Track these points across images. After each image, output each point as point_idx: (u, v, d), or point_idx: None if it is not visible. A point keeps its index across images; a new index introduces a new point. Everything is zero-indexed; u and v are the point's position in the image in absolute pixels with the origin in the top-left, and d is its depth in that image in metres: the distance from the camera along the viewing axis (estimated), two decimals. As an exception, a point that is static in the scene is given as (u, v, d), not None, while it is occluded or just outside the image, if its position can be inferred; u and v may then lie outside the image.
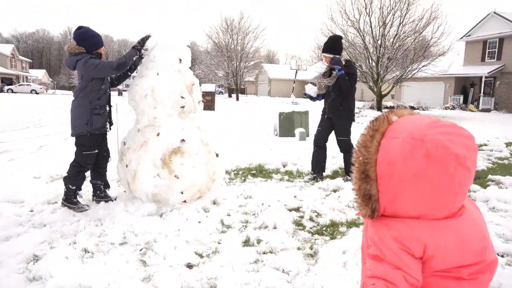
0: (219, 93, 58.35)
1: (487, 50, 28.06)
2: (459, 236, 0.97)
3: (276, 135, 10.80)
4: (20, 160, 6.81)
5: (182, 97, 4.28)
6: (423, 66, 22.22)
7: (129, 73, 4.46)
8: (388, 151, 0.98)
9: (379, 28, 22.12)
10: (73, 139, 4.18)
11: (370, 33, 22.36)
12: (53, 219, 3.76)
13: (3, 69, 53.19)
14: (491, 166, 6.92)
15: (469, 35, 29.12)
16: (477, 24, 28.76)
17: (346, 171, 5.71)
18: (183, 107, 4.32)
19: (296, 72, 35.60)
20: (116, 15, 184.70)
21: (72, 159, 4.19)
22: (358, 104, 29.77)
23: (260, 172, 6.11)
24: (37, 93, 45.96)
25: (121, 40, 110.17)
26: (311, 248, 3.24)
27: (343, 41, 5.89)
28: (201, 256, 3.06)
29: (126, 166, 4.22)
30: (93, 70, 3.97)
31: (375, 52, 22.24)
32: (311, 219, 3.99)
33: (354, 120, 5.66)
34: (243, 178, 5.69)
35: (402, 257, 0.97)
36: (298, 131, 10.05)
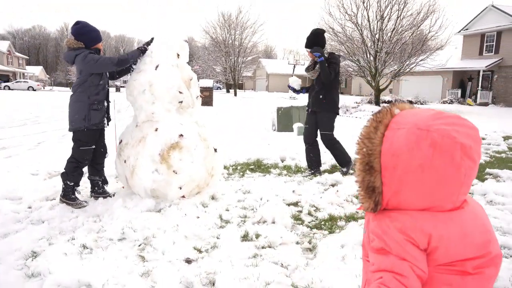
0: (217, 89, 58.20)
1: (485, 44, 28.03)
2: (462, 227, 0.97)
3: (274, 130, 10.80)
4: (18, 157, 6.79)
5: (180, 92, 4.27)
6: (421, 60, 22.23)
7: (131, 68, 4.43)
8: (393, 142, 0.98)
9: (377, 22, 22.07)
10: (71, 135, 4.17)
11: (368, 27, 22.32)
12: (51, 216, 3.76)
13: (-1, 66, 52.98)
14: (489, 160, 6.94)
15: (467, 29, 29.08)
16: (475, 18, 28.70)
17: (341, 164, 5.69)
18: (181, 102, 4.31)
19: (294, 67, 35.57)
20: (116, 15, 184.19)
21: (70, 155, 4.18)
22: (356, 98, 29.82)
23: (259, 167, 6.11)
24: (34, 90, 45.78)
25: (118, 36, 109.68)
26: (309, 242, 3.25)
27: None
28: (200, 251, 3.06)
29: (124, 162, 4.21)
30: (93, 65, 3.95)
31: (373, 46, 22.22)
32: (309, 213, 4.00)
33: (338, 113, 5.63)
34: (241, 173, 5.69)
35: (408, 248, 0.95)
36: (296, 126, 10.04)
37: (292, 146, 7.72)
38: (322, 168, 5.83)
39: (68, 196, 4.07)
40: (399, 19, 21.75)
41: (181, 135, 4.09)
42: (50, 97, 30.60)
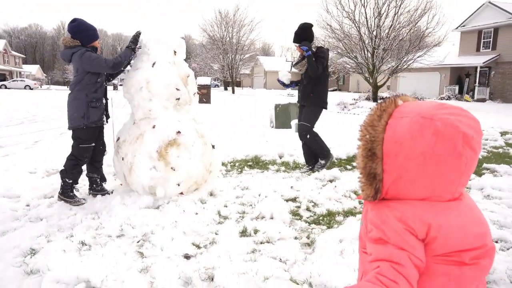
0: (214, 86, 58.15)
1: (482, 40, 28.06)
2: (461, 218, 0.98)
3: (272, 127, 10.80)
4: (15, 155, 6.77)
5: (177, 89, 4.27)
6: (418, 57, 22.24)
7: (123, 68, 4.42)
8: (396, 130, 0.99)
9: (375, 19, 22.07)
10: (69, 134, 4.17)
11: (365, 24, 22.32)
12: (49, 213, 3.76)
13: (-4, 65, 52.77)
14: (486, 155, 6.97)
15: (464, 25, 29.10)
16: (472, 14, 28.72)
17: (319, 155, 5.58)
18: (178, 99, 4.31)
19: (292, 64, 35.50)
20: (116, 15, 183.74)
21: (67, 153, 4.18)
22: (354, 95, 29.84)
23: (257, 163, 6.12)
24: (31, 89, 45.64)
25: (115, 34, 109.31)
26: (308, 237, 3.26)
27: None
28: (198, 247, 3.07)
29: (122, 159, 4.21)
30: (89, 64, 3.95)
31: (370, 43, 22.22)
32: (307, 209, 4.01)
33: (325, 108, 5.59)
34: (239, 170, 5.70)
35: (406, 237, 0.95)
36: (294, 122, 10.03)
37: (290, 143, 7.72)
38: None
39: (67, 193, 4.07)
40: (396, 15, 21.76)
41: (179, 132, 4.09)
42: (48, 96, 30.50)
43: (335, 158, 6.45)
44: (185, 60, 4.59)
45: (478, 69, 27.04)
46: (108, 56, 4.21)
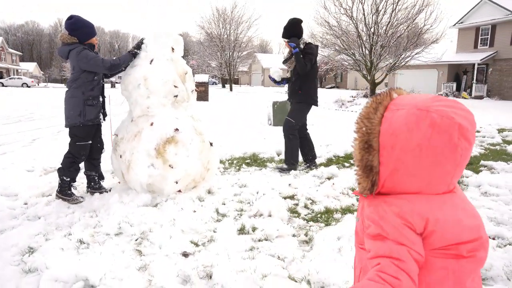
0: (212, 84, 58.07)
1: (479, 37, 28.08)
2: (456, 211, 0.99)
3: (270, 124, 10.80)
4: (13, 153, 6.75)
5: (175, 86, 4.26)
6: (416, 54, 22.23)
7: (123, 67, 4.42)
8: (392, 122, 1.00)
9: (372, 15, 22.02)
10: (66, 132, 4.15)
11: (363, 20, 22.27)
12: (47, 212, 3.75)
13: (-8, 62, 52.53)
14: (484, 152, 6.99)
15: (461, 22, 29.11)
16: (469, 11, 28.72)
17: (285, 159, 5.51)
18: (176, 96, 4.30)
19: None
20: (116, 15, 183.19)
21: (65, 151, 4.17)
22: (352, 92, 29.83)
23: (255, 161, 6.12)
24: (29, 87, 45.46)
25: (112, 32, 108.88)
26: (306, 235, 3.27)
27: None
28: (196, 244, 3.07)
29: (120, 157, 4.20)
30: (86, 62, 3.93)
31: (368, 40, 22.19)
32: (306, 206, 4.02)
33: (314, 104, 5.50)
34: (237, 167, 5.70)
35: (405, 232, 0.96)
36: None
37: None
38: (318, 162, 5.84)
39: (64, 191, 4.06)
40: (394, 12, 21.71)
41: (177, 129, 4.08)
42: (45, 94, 30.36)
43: (332, 155, 6.46)
44: (183, 57, 4.58)
45: (476, 66, 27.06)
46: (105, 54, 4.19)
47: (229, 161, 6.06)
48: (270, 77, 5.79)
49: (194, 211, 3.73)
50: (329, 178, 5.01)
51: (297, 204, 4.06)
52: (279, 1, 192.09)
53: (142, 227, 3.30)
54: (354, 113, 15.78)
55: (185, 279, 2.56)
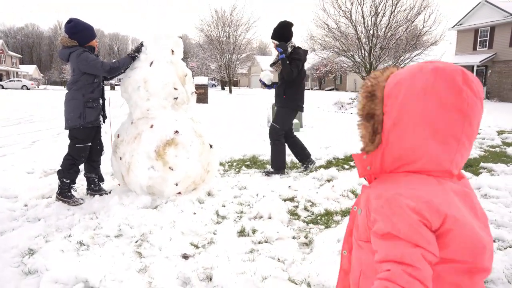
0: (212, 86, 58.10)
1: (478, 39, 28.12)
2: (472, 215, 0.93)
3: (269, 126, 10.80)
4: (13, 155, 6.75)
5: (175, 89, 4.27)
6: (415, 56, 22.27)
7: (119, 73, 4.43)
8: (396, 75, 1.02)
9: (371, 17, 22.08)
10: (66, 134, 4.16)
11: (362, 22, 22.33)
12: (47, 213, 3.75)
13: (-8, 64, 52.54)
14: (483, 154, 6.99)
15: (460, 24, 29.17)
16: (468, 13, 28.78)
17: (271, 163, 5.46)
18: (176, 98, 4.30)
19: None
20: (116, 15, 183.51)
21: (65, 153, 4.17)
22: (351, 94, 29.85)
23: (254, 163, 6.13)
24: (28, 89, 45.49)
25: (112, 34, 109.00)
26: (306, 237, 3.27)
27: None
28: (196, 246, 3.07)
29: (120, 159, 4.21)
30: (85, 65, 3.95)
31: (367, 42, 22.24)
32: (305, 208, 4.02)
33: (301, 110, 5.44)
34: (237, 169, 5.70)
35: (421, 230, 0.86)
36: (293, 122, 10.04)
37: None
38: (317, 164, 5.84)
39: (64, 193, 4.06)
40: (393, 14, 21.76)
41: (177, 132, 4.09)
42: (45, 96, 30.35)
43: (332, 158, 6.47)
44: (183, 59, 4.59)
45: (475, 68, 27.11)
46: (105, 56, 4.20)
47: (229, 163, 6.06)
48: (260, 80, 5.70)
49: (194, 213, 3.73)
50: (329, 180, 5.01)
51: (297, 206, 4.06)
52: (279, 1, 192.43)
53: (142, 229, 3.30)
54: (354, 115, 15.79)
55: (185, 281, 2.55)
